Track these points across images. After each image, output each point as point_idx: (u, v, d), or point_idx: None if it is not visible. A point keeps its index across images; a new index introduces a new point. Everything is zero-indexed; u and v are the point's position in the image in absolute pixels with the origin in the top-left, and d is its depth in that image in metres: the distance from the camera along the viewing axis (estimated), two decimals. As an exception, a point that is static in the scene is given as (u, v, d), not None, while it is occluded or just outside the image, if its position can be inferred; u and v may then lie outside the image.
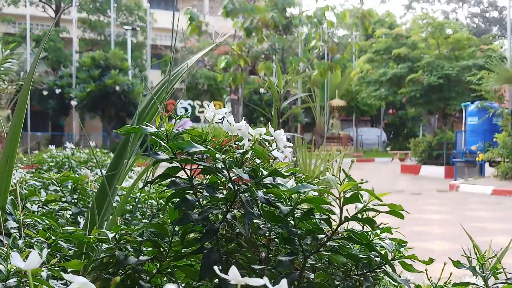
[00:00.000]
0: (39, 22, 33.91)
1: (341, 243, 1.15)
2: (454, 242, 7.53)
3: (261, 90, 29.32)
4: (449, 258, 1.41)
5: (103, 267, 1.44)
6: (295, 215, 1.20)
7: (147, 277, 1.46)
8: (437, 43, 23.08)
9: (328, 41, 11.19)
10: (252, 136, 1.27)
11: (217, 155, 1.13)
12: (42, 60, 27.67)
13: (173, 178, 1.23)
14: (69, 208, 2.27)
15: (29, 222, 1.68)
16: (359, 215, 1.09)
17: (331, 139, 33.87)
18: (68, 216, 2.27)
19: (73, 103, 26.40)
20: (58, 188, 2.32)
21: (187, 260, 1.39)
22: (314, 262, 1.21)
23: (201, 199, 1.27)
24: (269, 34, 10.92)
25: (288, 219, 1.17)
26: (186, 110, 30.25)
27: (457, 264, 1.40)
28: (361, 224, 1.40)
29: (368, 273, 1.21)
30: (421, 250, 7.14)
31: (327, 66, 10.82)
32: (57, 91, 26.90)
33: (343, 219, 1.10)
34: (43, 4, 33.20)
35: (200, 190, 1.24)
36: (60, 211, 2.29)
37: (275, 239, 1.32)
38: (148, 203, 2.29)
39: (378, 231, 1.41)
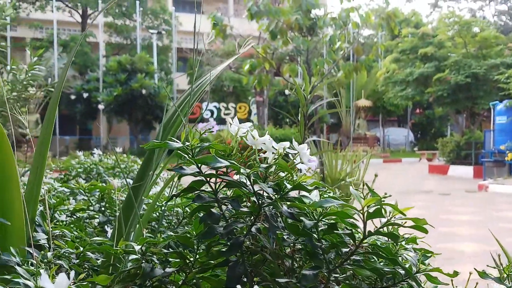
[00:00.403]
0: (66, 27, 34.38)
1: (365, 257, 1.15)
2: (483, 243, 7.44)
3: (287, 92, 29.29)
4: (475, 269, 1.40)
5: (130, 278, 1.46)
6: (320, 228, 1.20)
7: (174, 288, 1.48)
8: (464, 42, 22.80)
9: (353, 42, 11.12)
10: (276, 150, 1.28)
11: (242, 170, 1.15)
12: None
13: (198, 192, 1.25)
14: (97, 216, 2.31)
15: (58, 233, 1.71)
16: (383, 230, 1.09)
17: (358, 139, 33.70)
18: (96, 224, 2.31)
19: (100, 107, 26.72)
20: (86, 198, 2.36)
21: (212, 271, 1.40)
22: (338, 275, 1.21)
23: (226, 212, 1.28)
24: (293, 36, 10.91)
25: (312, 232, 1.18)
26: (212, 112, 30.38)
27: (482, 275, 1.39)
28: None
29: (393, 287, 1.21)
30: (449, 251, 7.07)
31: (352, 68, 10.76)
32: (85, 95, 27.25)
33: (366, 234, 1.10)
34: (70, 9, 33.66)
35: (225, 204, 1.25)
36: (88, 219, 2.33)
37: (300, 250, 1.32)
38: (174, 211, 2.31)
39: (403, 242, 1.40)
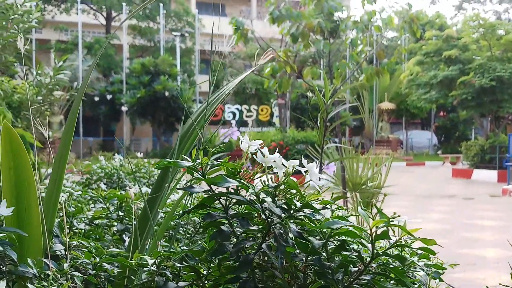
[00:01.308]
0: (91, 29, 34.74)
1: (374, 277, 1.16)
2: (507, 249, 7.36)
3: (309, 94, 29.23)
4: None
5: (144, 291, 1.49)
6: (329, 247, 1.22)
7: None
8: (489, 45, 22.53)
9: (375, 45, 11.04)
10: (286, 167, 1.30)
11: (250, 190, 1.16)
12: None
13: (208, 210, 1.27)
14: (115, 224, 2.34)
15: (75, 244, 1.74)
16: (391, 251, 1.10)
17: (381, 142, 33.49)
18: (115, 230, 2.34)
19: (124, 108, 26.95)
20: (104, 206, 2.40)
21: (224, 285, 1.42)
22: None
23: (236, 229, 1.30)
24: (315, 39, 10.90)
25: (322, 251, 1.19)
26: (234, 114, 30.45)
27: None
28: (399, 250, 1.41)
29: (402, 305, 1.22)
30: (472, 257, 7.02)
31: (374, 71, 10.73)
32: (108, 97, 27.52)
33: (374, 255, 1.11)
34: (94, 12, 34.01)
35: (235, 221, 1.27)
36: (107, 227, 2.36)
37: (312, 266, 1.34)
38: (191, 219, 2.34)
39: (415, 258, 1.41)
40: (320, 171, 4.37)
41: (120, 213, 2.36)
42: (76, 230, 2.18)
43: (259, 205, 1.21)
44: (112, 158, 5.02)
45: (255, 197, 1.21)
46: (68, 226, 2.15)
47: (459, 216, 10.71)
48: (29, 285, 1.33)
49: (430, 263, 1.49)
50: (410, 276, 1.30)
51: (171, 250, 1.73)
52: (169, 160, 1.26)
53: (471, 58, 23.32)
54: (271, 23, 10.35)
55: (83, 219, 2.30)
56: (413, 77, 26.11)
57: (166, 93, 25.51)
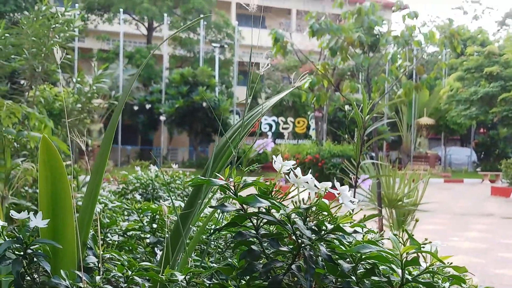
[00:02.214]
0: (132, 39, 35.30)
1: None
2: (545, 271, 7.18)
3: (346, 108, 29.11)
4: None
5: (174, 307, 1.49)
6: (359, 271, 1.21)
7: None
8: (532, 62, 22.13)
9: (415, 60, 10.94)
10: (318, 189, 1.29)
11: (281, 211, 1.16)
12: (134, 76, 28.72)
13: (239, 229, 1.27)
14: (148, 236, 2.37)
15: (108, 256, 1.77)
16: (423, 277, 1.09)
17: (418, 158, 33.05)
18: (147, 243, 2.36)
19: (162, 118, 27.26)
20: (138, 218, 2.42)
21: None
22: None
23: (267, 249, 1.30)
24: (354, 54, 10.84)
25: (351, 275, 1.18)
26: (270, 126, 30.48)
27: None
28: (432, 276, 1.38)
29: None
30: (509, 277, 6.86)
31: (413, 86, 10.61)
32: (147, 106, 27.86)
33: (404, 281, 1.10)
34: (136, 22, 34.55)
35: (265, 241, 1.27)
36: (140, 239, 2.39)
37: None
38: (223, 234, 2.34)
39: (446, 284, 1.38)
40: (356, 186, 4.33)
41: (154, 226, 2.38)
42: (110, 242, 2.21)
43: (289, 226, 1.21)
44: (147, 168, 5.06)
45: (286, 218, 1.21)
46: (102, 237, 2.18)
47: (497, 236, 10.49)
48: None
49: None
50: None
51: (202, 265, 1.74)
52: (203, 178, 1.27)
53: (513, 75, 22.94)
54: (311, 36, 10.35)
55: (117, 230, 2.33)
56: (453, 93, 25.80)
57: (204, 104, 25.72)
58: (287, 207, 1.22)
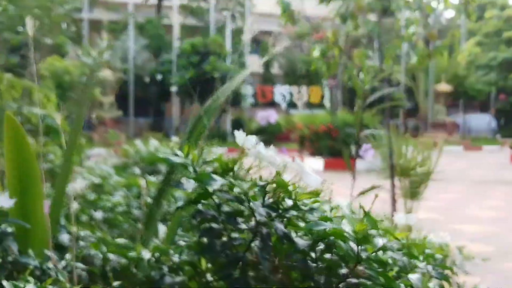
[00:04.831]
0: (142, 10, 34.99)
1: (359, 280, 1.12)
2: None
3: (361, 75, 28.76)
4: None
5: (145, 285, 1.48)
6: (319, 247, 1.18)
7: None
8: (552, 25, 21.64)
9: (429, 26, 10.75)
10: (281, 165, 1.25)
11: (235, 189, 1.13)
12: (144, 48, 28.60)
13: (198, 207, 1.25)
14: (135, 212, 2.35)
15: (83, 235, 1.75)
16: (373, 256, 1.06)
17: (436, 126, 32.70)
18: (133, 219, 2.34)
19: (174, 89, 27.19)
20: (124, 194, 2.41)
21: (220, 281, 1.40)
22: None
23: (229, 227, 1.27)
24: (365, 21, 10.64)
25: (309, 252, 1.16)
26: (284, 96, 30.29)
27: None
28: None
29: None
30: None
31: (427, 53, 10.41)
32: (158, 77, 27.76)
33: (359, 259, 1.07)
34: (146, -9, 34.21)
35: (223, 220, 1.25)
36: (126, 214, 2.37)
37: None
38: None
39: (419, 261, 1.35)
40: (357, 156, 4.29)
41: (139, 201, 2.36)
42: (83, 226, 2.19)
43: (247, 203, 1.18)
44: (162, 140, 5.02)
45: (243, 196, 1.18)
46: (87, 214, 2.17)
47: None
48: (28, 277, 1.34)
49: (437, 264, 1.43)
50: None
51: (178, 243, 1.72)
52: (159, 156, 1.24)
53: (532, 39, 22.50)
54: (320, 2, 10.17)
55: (105, 207, 2.31)
56: (472, 59, 25.39)
57: (216, 74, 25.56)
58: (245, 185, 1.19)
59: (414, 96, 33.38)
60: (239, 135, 1.30)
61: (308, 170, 1.21)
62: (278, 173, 1.20)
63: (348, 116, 17.61)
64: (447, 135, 30.34)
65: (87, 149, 5.93)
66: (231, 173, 1.25)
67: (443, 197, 10.56)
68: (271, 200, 1.19)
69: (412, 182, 7.06)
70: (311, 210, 1.15)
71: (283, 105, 29.58)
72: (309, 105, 30.38)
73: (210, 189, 1.24)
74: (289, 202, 1.19)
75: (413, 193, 6.98)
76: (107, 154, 4.99)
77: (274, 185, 1.22)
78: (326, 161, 15.89)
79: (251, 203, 1.15)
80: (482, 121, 38.38)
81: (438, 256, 1.74)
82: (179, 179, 1.78)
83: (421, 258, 1.37)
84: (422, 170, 7.13)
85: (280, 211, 1.16)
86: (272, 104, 29.10)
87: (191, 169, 1.24)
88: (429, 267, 1.40)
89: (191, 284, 1.51)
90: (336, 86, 27.92)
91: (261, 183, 1.18)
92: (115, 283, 1.49)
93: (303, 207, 1.14)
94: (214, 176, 1.15)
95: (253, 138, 1.30)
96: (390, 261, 1.14)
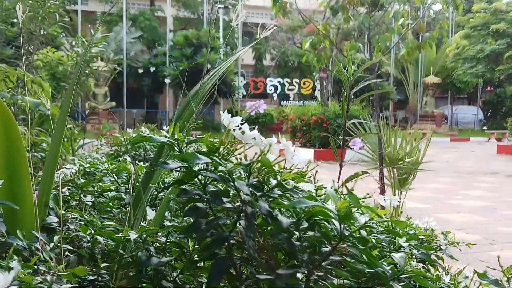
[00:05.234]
0: (135, 2, 34.89)
1: (342, 258, 1.14)
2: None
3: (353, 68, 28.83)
4: (474, 270, 1.36)
5: (131, 266, 1.50)
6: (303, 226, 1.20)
7: (175, 275, 1.52)
8: (540, 18, 21.77)
9: (418, 19, 10.77)
10: (265, 145, 1.27)
11: (220, 168, 1.15)
12: (138, 39, 28.56)
13: (184, 186, 1.26)
14: (124, 197, 2.37)
15: (71, 217, 1.76)
16: (356, 234, 1.08)
17: (425, 117, 32.89)
18: (123, 203, 2.36)
19: (167, 81, 27.18)
20: (113, 179, 2.42)
21: (205, 262, 1.42)
22: (321, 274, 1.21)
23: (215, 207, 1.29)
24: (355, 13, 10.67)
25: (295, 231, 1.18)
26: (276, 88, 30.33)
27: (483, 276, 1.35)
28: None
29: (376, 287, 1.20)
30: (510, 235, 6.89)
31: (415, 45, 10.47)
32: (152, 69, 27.76)
33: (342, 236, 1.09)
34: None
35: (209, 199, 1.26)
36: (116, 199, 2.39)
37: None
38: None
39: (404, 240, 1.38)
40: (343, 147, 4.32)
41: (128, 187, 2.38)
42: (86, 203, 2.21)
43: (232, 183, 1.20)
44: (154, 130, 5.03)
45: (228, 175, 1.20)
46: (77, 199, 2.18)
47: (501, 194, 10.48)
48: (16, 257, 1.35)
49: (421, 246, 1.45)
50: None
51: (165, 224, 1.74)
52: (144, 135, 1.26)
53: (520, 31, 22.61)
54: (312, -5, 10.11)
55: (94, 192, 2.32)
56: (460, 51, 25.50)
57: (209, 66, 25.54)
58: (229, 164, 1.21)
59: (403, 88, 33.49)
60: (225, 115, 1.32)
61: (291, 149, 1.23)
62: (263, 152, 1.22)
63: (339, 107, 17.69)
64: (436, 127, 30.50)
65: (80, 139, 5.95)
66: (216, 154, 1.27)
67: (431, 187, 10.65)
68: (256, 180, 1.21)
69: (400, 172, 7.11)
70: (295, 188, 1.17)
71: (275, 97, 29.60)
72: (301, 96, 30.47)
73: (196, 169, 1.26)
74: (274, 182, 1.21)
75: (401, 182, 7.03)
76: (99, 143, 5.02)
77: (259, 165, 1.24)
78: (316, 152, 16.01)
79: (235, 182, 1.17)
80: (470, 113, 38.60)
81: (423, 237, 1.77)
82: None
83: (404, 238, 1.39)
84: (411, 160, 7.19)
85: (265, 190, 1.18)
86: (264, 95, 29.18)
87: (176, 148, 1.25)
88: (413, 249, 1.42)
89: (178, 265, 1.53)
90: (326, 78, 27.99)
91: (246, 163, 1.20)
92: (103, 265, 1.51)
93: (287, 186, 1.15)
94: (199, 155, 1.17)
95: (238, 119, 1.32)
96: (373, 240, 1.16)
